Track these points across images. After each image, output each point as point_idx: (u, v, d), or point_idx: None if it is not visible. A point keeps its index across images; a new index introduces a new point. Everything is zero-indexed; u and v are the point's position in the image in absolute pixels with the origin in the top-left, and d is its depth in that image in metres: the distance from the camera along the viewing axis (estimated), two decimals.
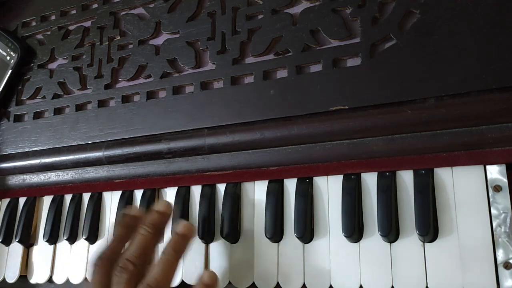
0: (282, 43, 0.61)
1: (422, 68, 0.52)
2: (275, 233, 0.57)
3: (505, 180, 0.48)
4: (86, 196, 0.73)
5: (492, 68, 0.49)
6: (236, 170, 0.61)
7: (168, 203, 0.60)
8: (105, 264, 0.54)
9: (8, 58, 0.82)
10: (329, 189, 0.56)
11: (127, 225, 0.58)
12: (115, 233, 0.61)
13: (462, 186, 0.50)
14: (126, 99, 0.71)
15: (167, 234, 0.63)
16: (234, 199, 0.61)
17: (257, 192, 0.61)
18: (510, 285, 0.46)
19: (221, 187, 0.63)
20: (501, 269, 0.46)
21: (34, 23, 0.85)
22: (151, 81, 0.70)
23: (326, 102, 0.56)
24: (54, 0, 0.83)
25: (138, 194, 0.68)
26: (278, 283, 0.57)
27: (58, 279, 0.71)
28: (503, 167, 0.49)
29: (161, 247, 0.58)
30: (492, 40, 0.50)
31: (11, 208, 0.78)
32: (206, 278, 0.54)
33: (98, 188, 0.72)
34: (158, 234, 0.58)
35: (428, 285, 0.49)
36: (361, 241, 0.53)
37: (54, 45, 0.80)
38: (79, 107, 0.75)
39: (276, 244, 0.58)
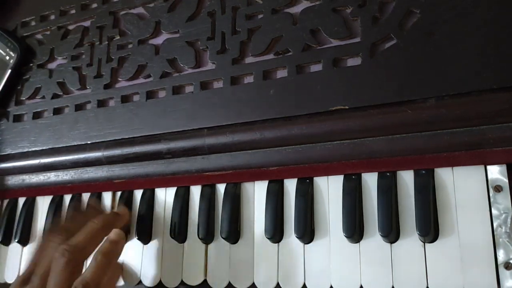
0: (282, 42, 0.61)
1: (422, 68, 0.52)
2: (275, 233, 0.57)
3: (506, 180, 0.48)
4: (85, 196, 0.73)
5: (492, 68, 0.49)
6: (236, 170, 0.61)
7: (128, 212, 0.64)
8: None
9: (7, 58, 0.82)
10: (330, 189, 0.56)
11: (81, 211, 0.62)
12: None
13: (462, 186, 0.50)
14: (125, 99, 0.71)
15: None
16: (234, 199, 0.61)
17: (257, 192, 0.61)
18: (510, 285, 0.46)
19: (221, 187, 0.63)
20: (501, 270, 0.46)
21: (33, 23, 0.85)
22: (150, 81, 0.69)
23: (326, 102, 0.56)
24: (54, 0, 0.83)
25: (138, 194, 0.68)
26: (278, 283, 0.56)
27: None
28: (504, 167, 0.49)
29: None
30: (492, 40, 0.50)
31: (11, 208, 0.78)
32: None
33: (97, 188, 0.71)
34: (105, 232, 0.60)
35: (428, 286, 0.49)
36: (361, 242, 0.53)
37: (54, 44, 0.80)
38: (79, 107, 0.75)
39: (276, 244, 0.58)
